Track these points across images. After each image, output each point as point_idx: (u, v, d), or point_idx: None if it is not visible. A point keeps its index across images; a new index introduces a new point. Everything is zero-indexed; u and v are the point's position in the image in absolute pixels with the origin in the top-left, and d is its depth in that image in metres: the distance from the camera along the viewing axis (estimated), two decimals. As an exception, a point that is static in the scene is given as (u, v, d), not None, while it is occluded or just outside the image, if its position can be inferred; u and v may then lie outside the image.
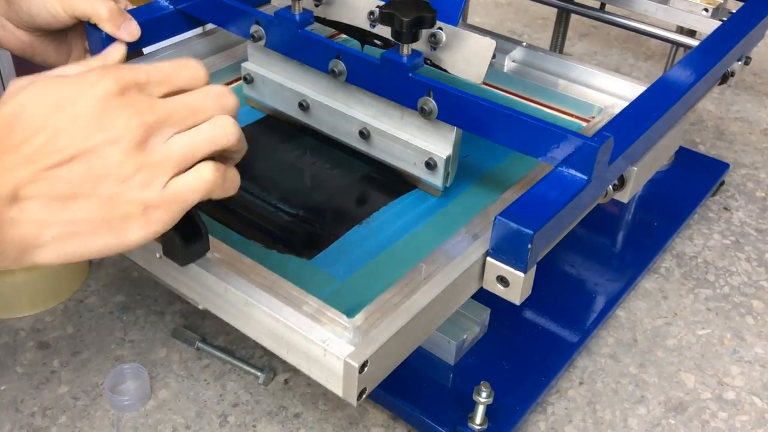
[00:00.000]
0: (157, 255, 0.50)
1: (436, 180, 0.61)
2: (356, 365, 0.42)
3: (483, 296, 0.67)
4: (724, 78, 0.76)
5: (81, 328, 0.71)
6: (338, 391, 0.44)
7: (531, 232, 0.44)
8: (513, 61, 0.78)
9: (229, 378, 0.67)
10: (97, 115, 0.38)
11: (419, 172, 0.61)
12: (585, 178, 0.50)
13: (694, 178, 0.95)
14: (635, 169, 0.57)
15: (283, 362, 0.68)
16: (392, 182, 0.64)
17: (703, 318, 0.78)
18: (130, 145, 0.38)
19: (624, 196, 0.59)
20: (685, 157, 1.00)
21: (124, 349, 0.69)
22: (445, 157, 0.59)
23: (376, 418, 0.64)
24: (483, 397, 0.56)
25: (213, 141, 0.41)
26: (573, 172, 0.50)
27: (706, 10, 0.81)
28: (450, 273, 0.48)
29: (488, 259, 0.48)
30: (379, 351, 0.43)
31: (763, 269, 0.85)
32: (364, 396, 0.45)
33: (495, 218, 0.46)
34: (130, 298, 0.75)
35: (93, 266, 0.78)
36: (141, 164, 0.39)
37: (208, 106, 0.41)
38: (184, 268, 0.49)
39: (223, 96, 0.42)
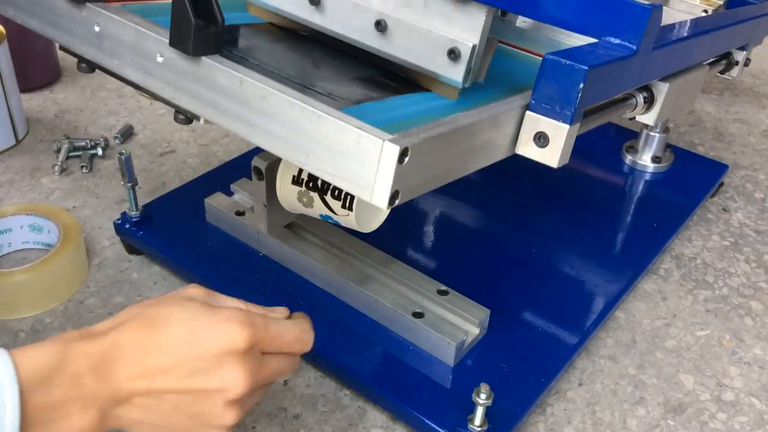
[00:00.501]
0: (158, 58, 0.47)
1: (457, 75, 0.55)
2: (397, 148, 0.37)
3: (482, 298, 0.67)
4: (729, 65, 0.77)
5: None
6: (367, 192, 0.39)
7: (585, 67, 0.41)
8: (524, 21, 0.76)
9: (228, 379, 0.67)
10: (218, 364, 0.44)
11: (439, 66, 0.56)
12: (633, 47, 0.48)
13: (693, 180, 0.95)
14: (666, 85, 0.57)
15: (283, 363, 0.69)
16: (406, 82, 0.60)
17: (702, 319, 0.78)
18: (233, 399, 0.45)
19: (651, 118, 0.59)
20: (684, 158, 1.00)
21: (124, 351, 0.69)
22: (471, 45, 0.54)
23: (376, 419, 0.64)
24: (482, 399, 0.56)
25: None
26: (620, 41, 0.48)
27: (706, 11, 0.81)
28: (485, 113, 0.45)
29: (528, 113, 0.45)
30: (419, 146, 0.39)
31: (761, 270, 0.85)
32: (395, 203, 0.40)
33: (544, 57, 0.42)
34: (130, 299, 0.75)
35: (93, 268, 0.78)
36: (234, 415, 0.46)
37: (288, 371, 0.51)
38: (190, 66, 0.45)
39: (295, 367, 0.52)
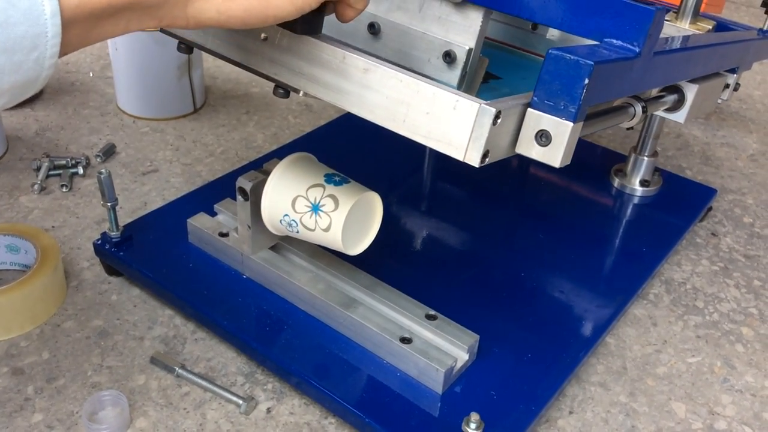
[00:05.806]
0: (262, 35, 0.52)
1: (452, 79, 0.55)
2: (493, 110, 0.42)
3: (471, 323, 0.66)
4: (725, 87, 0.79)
5: (57, 354, 0.69)
6: (460, 151, 0.43)
7: (591, 62, 0.41)
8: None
9: (209, 406, 0.65)
10: None
11: (434, 70, 0.56)
12: (636, 49, 0.48)
13: (682, 204, 0.95)
14: (696, 86, 0.63)
15: (265, 390, 0.67)
16: None
17: (692, 345, 0.77)
18: None
19: (681, 116, 0.67)
20: (672, 182, 0.99)
21: (102, 376, 0.67)
22: (467, 48, 0.54)
23: (362, 449, 0.62)
24: (472, 428, 0.55)
25: None
26: (623, 43, 0.48)
27: (695, 35, 0.82)
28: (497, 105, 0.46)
29: (529, 110, 0.45)
30: (506, 113, 0.43)
31: (752, 296, 0.85)
32: (486, 161, 0.44)
33: (547, 53, 0.43)
34: (108, 322, 0.73)
35: (71, 290, 0.76)
36: None
37: None
38: (294, 43, 0.50)
39: None
